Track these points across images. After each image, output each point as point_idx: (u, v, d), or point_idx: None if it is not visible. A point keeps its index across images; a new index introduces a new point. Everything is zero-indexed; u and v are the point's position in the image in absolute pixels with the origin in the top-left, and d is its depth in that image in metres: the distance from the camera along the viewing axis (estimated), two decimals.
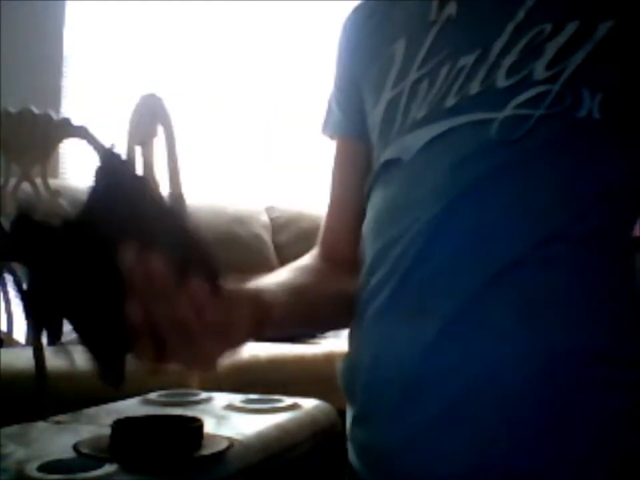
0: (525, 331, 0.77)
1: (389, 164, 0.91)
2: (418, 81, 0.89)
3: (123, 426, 0.89)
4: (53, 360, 1.46)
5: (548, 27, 0.82)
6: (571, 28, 0.81)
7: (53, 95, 3.24)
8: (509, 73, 0.83)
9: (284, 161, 3.83)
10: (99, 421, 1.07)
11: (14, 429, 1.03)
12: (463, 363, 0.78)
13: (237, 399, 1.22)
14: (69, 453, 0.88)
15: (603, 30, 0.80)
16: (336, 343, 2.43)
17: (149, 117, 1.89)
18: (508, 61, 0.84)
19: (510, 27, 0.84)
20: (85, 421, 1.10)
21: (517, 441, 0.76)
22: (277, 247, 3.44)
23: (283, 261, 3.44)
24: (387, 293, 0.85)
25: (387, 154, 0.92)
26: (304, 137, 3.87)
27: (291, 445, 1.04)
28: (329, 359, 2.22)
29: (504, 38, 0.84)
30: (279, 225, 3.50)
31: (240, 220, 3.34)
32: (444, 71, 0.87)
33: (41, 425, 1.08)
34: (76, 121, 2.24)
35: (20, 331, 2.07)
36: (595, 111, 0.79)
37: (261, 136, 3.78)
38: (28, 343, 1.94)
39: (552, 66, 0.81)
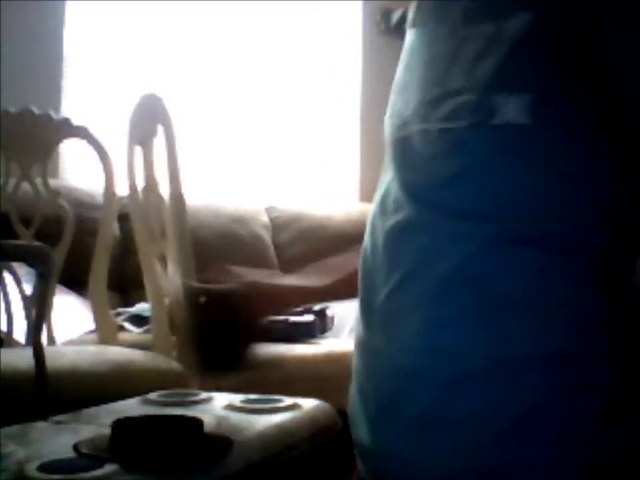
0: (485, 333, 0.77)
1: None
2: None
3: (122, 426, 0.89)
4: (53, 360, 1.46)
5: (469, 32, 0.81)
6: (485, 30, 0.79)
7: (53, 95, 3.24)
8: (436, 84, 0.83)
9: (284, 161, 3.83)
10: (98, 421, 1.07)
11: (14, 429, 1.03)
12: (430, 367, 0.79)
13: (236, 398, 1.22)
14: (69, 453, 0.88)
15: (516, 28, 0.77)
16: (336, 343, 2.43)
17: (149, 117, 1.89)
18: (437, 71, 0.84)
19: (443, 34, 0.84)
20: (85, 420, 1.10)
21: (486, 444, 0.76)
22: (277, 247, 3.45)
23: (283, 260, 3.45)
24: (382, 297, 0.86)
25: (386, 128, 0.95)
26: (304, 137, 3.87)
27: (290, 445, 1.05)
28: (329, 358, 2.22)
29: (441, 46, 0.84)
30: (278, 225, 3.50)
31: (240, 220, 3.34)
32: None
33: (40, 425, 1.08)
34: (76, 121, 2.25)
35: (20, 331, 2.07)
36: (520, 114, 0.76)
37: (261, 136, 3.79)
38: (28, 343, 1.94)
39: (469, 74, 0.79)
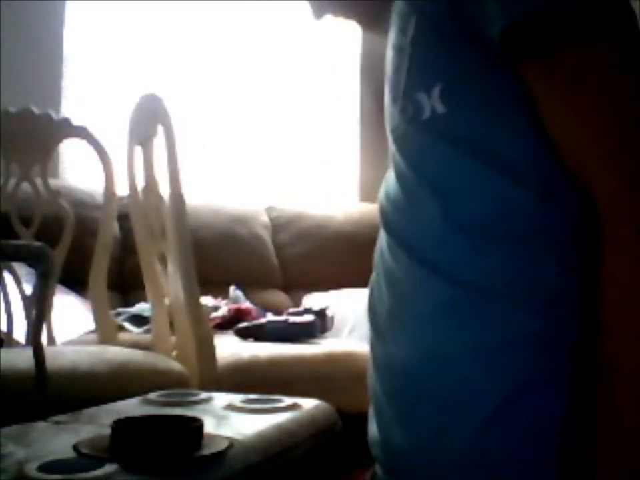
0: (454, 325, 0.78)
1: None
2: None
3: (122, 426, 0.89)
4: (53, 360, 1.46)
5: (399, 40, 0.85)
6: (396, 36, 0.85)
7: (53, 95, 3.24)
8: (394, 90, 0.87)
9: (284, 161, 3.83)
10: (98, 421, 1.07)
11: (14, 429, 1.03)
12: (427, 355, 0.81)
13: (236, 398, 1.22)
14: (69, 453, 0.88)
15: (411, 28, 0.82)
16: (336, 343, 2.43)
17: (149, 117, 1.89)
18: (394, 78, 0.87)
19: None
20: (85, 420, 1.10)
21: (471, 430, 0.77)
22: (277, 247, 3.45)
23: (283, 261, 3.45)
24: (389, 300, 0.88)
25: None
26: (304, 137, 3.87)
27: (290, 445, 1.05)
28: (329, 358, 2.22)
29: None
30: (278, 225, 3.50)
31: (240, 220, 3.34)
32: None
33: (40, 425, 1.08)
34: (76, 121, 2.25)
35: (20, 331, 2.07)
36: (437, 106, 0.80)
37: (261, 136, 3.79)
38: (28, 342, 1.94)
39: (395, 82, 0.85)
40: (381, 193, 0.92)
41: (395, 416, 0.84)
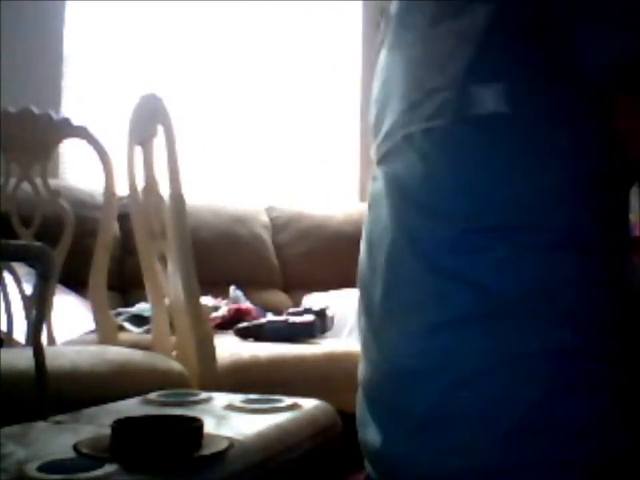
0: (488, 333, 0.77)
1: (377, 161, 0.94)
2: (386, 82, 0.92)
3: (122, 426, 0.89)
4: (53, 360, 1.46)
5: (442, 29, 0.82)
6: (455, 27, 0.81)
7: (53, 95, 3.24)
8: (414, 90, 0.83)
9: (284, 161, 3.83)
10: (99, 421, 1.07)
11: (14, 429, 1.03)
12: (440, 365, 0.79)
13: (236, 398, 1.22)
14: (69, 453, 0.88)
15: (484, 19, 0.78)
16: (336, 343, 2.43)
17: (149, 117, 1.89)
18: (410, 80, 0.84)
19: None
20: (85, 420, 1.10)
21: (491, 443, 0.75)
22: (277, 247, 3.45)
23: (283, 261, 3.45)
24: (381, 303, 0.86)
25: (373, 152, 0.95)
26: (304, 137, 3.87)
27: (291, 445, 1.05)
28: (329, 359, 2.22)
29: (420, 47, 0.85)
30: (278, 225, 3.50)
31: (240, 220, 3.34)
32: (396, 71, 0.89)
33: (40, 424, 1.08)
34: (76, 121, 2.25)
35: (20, 331, 2.07)
36: (499, 104, 0.76)
37: (261, 136, 3.79)
38: (28, 342, 1.94)
39: (446, 72, 0.80)
40: (376, 186, 0.91)
41: (402, 431, 0.81)
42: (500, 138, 0.77)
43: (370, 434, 0.87)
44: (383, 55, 0.92)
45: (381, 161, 0.90)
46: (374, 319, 0.88)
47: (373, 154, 0.94)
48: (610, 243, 0.78)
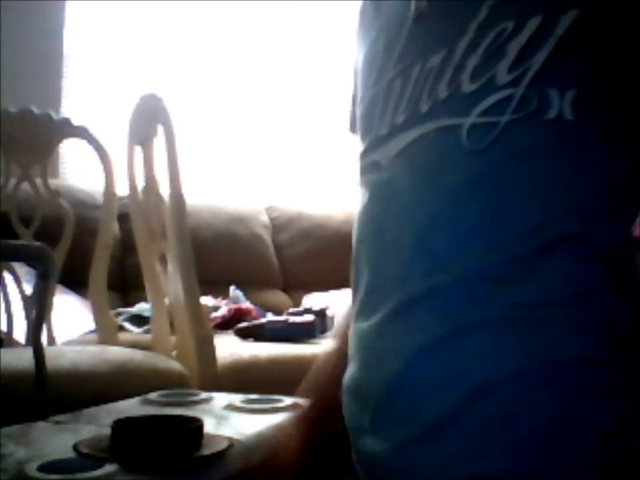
0: (508, 340, 0.76)
1: (373, 166, 0.91)
2: (392, 80, 0.89)
3: (122, 426, 0.89)
4: (53, 360, 1.46)
5: (510, 25, 0.79)
6: (532, 24, 0.78)
7: (53, 95, 3.24)
8: (473, 77, 0.80)
9: (284, 161, 3.83)
10: (99, 421, 1.07)
11: (14, 429, 1.03)
12: (454, 372, 0.78)
13: (236, 398, 1.22)
14: (69, 453, 0.88)
15: (565, 22, 0.76)
16: None
17: (149, 117, 1.89)
18: (472, 62, 0.81)
19: (473, 26, 0.81)
20: (85, 420, 1.10)
21: (508, 449, 0.75)
22: (277, 247, 3.45)
23: (283, 260, 3.45)
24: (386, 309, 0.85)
25: (370, 156, 0.92)
26: (304, 137, 3.87)
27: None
28: None
29: (467, 37, 0.81)
30: (278, 225, 3.50)
31: (240, 220, 3.34)
32: (415, 71, 0.85)
33: (40, 424, 1.08)
34: (76, 121, 2.25)
35: (20, 331, 2.07)
36: (566, 111, 0.75)
37: (260, 136, 3.79)
38: (28, 342, 1.94)
39: (514, 68, 0.78)
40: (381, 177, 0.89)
41: (411, 439, 0.79)
42: (562, 142, 0.76)
43: (368, 442, 0.85)
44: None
45: (400, 152, 0.87)
46: (377, 318, 0.86)
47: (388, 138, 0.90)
48: (629, 252, 0.78)
